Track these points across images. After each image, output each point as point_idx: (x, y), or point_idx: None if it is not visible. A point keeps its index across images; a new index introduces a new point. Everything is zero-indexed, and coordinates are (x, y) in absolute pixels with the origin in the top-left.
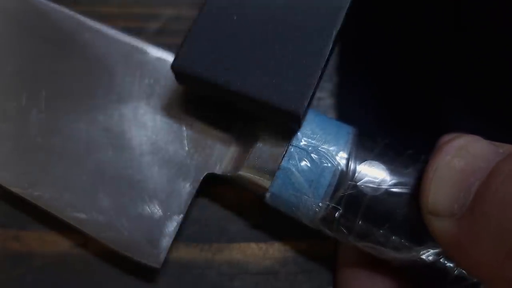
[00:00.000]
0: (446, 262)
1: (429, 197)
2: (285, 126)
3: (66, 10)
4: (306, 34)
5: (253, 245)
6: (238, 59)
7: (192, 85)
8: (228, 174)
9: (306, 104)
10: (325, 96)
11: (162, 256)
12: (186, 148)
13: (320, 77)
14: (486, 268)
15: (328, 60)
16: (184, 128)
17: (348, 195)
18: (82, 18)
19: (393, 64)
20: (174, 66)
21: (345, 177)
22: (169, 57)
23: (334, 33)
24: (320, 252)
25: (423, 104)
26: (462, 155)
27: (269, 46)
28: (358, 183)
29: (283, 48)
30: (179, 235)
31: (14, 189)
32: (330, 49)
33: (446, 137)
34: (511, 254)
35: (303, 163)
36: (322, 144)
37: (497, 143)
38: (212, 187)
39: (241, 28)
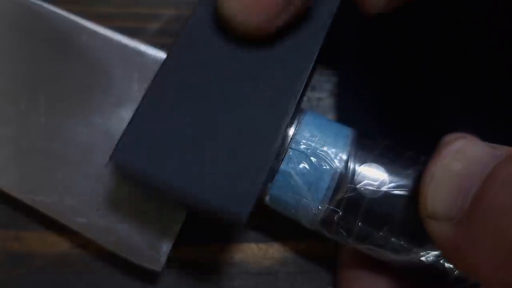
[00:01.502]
0: (445, 263)
1: (427, 201)
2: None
3: (63, 12)
4: (255, 128)
5: (253, 245)
6: (182, 154)
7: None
8: None
9: (249, 208)
10: (325, 96)
11: (163, 260)
12: None
13: (268, 176)
14: (484, 272)
15: (279, 154)
16: None
17: (347, 198)
18: (79, 19)
19: (392, 64)
20: (113, 160)
21: (344, 180)
22: None
23: (283, 127)
24: (319, 252)
25: (423, 104)
26: (459, 158)
27: (215, 141)
28: (357, 186)
29: (230, 143)
30: (179, 235)
31: (14, 194)
32: (277, 146)
33: (447, 138)
34: (507, 260)
35: (302, 166)
36: (321, 147)
37: (494, 145)
38: None
39: (186, 119)
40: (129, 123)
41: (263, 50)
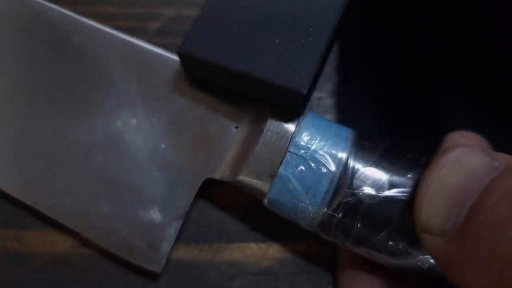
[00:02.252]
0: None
1: (422, 214)
2: (289, 114)
3: (63, 11)
4: (309, 17)
5: (253, 245)
6: (243, 42)
7: (198, 70)
8: (227, 179)
9: (309, 83)
10: (325, 96)
11: (163, 261)
12: (185, 153)
13: (323, 59)
14: None
15: (331, 43)
16: (183, 133)
17: (346, 202)
18: (80, 18)
19: (393, 63)
20: (181, 52)
21: (343, 183)
22: (169, 58)
23: (337, 15)
24: (319, 252)
25: (424, 103)
26: (456, 170)
27: (272, 29)
28: (356, 190)
29: (287, 31)
30: (179, 235)
31: (15, 195)
32: (332, 31)
33: (446, 144)
34: (501, 278)
35: (300, 170)
36: (320, 150)
37: (494, 154)
38: (212, 188)
39: (245, 14)
40: (194, 21)
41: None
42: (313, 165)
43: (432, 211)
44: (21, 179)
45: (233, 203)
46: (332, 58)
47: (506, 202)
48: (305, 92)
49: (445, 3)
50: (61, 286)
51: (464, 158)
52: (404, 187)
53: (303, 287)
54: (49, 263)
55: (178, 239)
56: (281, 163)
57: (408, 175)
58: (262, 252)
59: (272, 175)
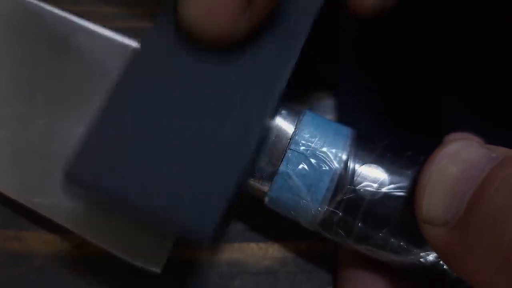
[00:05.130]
0: (444, 265)
1: (423, 206)
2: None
3: (61, 12)
4: (224, 141)
5: (253, 245)
6: (142, 170)
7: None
8: None
9: (213, 228)
10: (325, 96)
11: (163, 260)
12: None
13: (238, 191)
14: (481, 278)
15: (250, 169)
16: None
17: (347, 199)
18: (78, 19)
19: (393, 64)
20: (67, 174)
21: (343, 181)
22: None
23: (254, 143)
24: (319, 252)
25: (423, 104)
26: (454, 162)
27: (180, 152)
28: (356, 187)
29: (195, 157)
30: None
31: (12, 196)
32: (247, 160)
33: (450, 137)
34: (503, 267)
35: (301, 167)
36: (320, 148)
37: (490, 146)
38: None
39: (149, 131)
40: (87, 133)
41: (232, 54)
42: (313, 162)
43: (433, 201)
44: (18, 180)
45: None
46: (333, 59)
47: (507, 189)
48: (209, 238)
49: (444, 4)
50: (61, 286)
51: (462, 150)
52: (404, 184)
53: (303, 287)
54: (49, 263)
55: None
56: (281, 160)
57: (408, 172)
58: (262, 252)
59: (272, 174)
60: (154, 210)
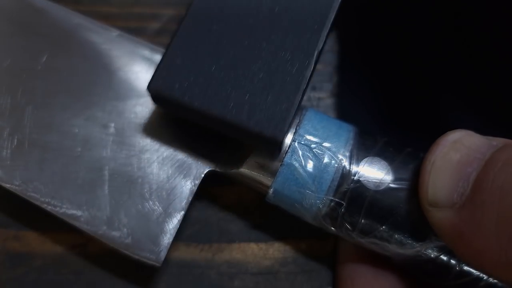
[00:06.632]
0: (448, 258)
1: (428, 189)
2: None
3: (64, 9)
4: (286, 56)
5: (253, 245)
6: (217, 82)
7: (169, 108)
8: (230, 172)
9: (286, 129)
10: (325, 96)
11: (163, 255)
12: (187, 145)
13: (301, 100)
14: (489, 255)
15: (309, 82)
16: (184, 125)
17: (352, 190)
18: (80, 16)
19: (393, 63)
20: (150, 88)
21: (347, 173)
22: None
23: (316, 54)
24: (319, 252)
25: (423, 103)
26: (457, 148)
27: (248, 69)
28: (360, 179)
29: (263, 71)
30: (179, 236)
31: (8, 186)
32: (311, 71)
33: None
34: (511, 241)
35: (305, 159)
36: (324, 141)
37: (489, 137)
38: (212, 188)
39: (220, 50)
40: (164, 54)
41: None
42: (318, 153)
43: (439, 184)
44: (15, 170)
45: (233, 203)
46: (332, 58)
47: (510, 168)
48: (282, 140)
49: (444, 3)
50: (61, 286)
51: (463, 138)
52: (406, 177)
53: (303, 287)
54: (49, 263)
55: (178, 239)
56: (286, 153)
57: (409, 166)
58: (263, 252)
59: (276, 167)
60: (231, 119)
